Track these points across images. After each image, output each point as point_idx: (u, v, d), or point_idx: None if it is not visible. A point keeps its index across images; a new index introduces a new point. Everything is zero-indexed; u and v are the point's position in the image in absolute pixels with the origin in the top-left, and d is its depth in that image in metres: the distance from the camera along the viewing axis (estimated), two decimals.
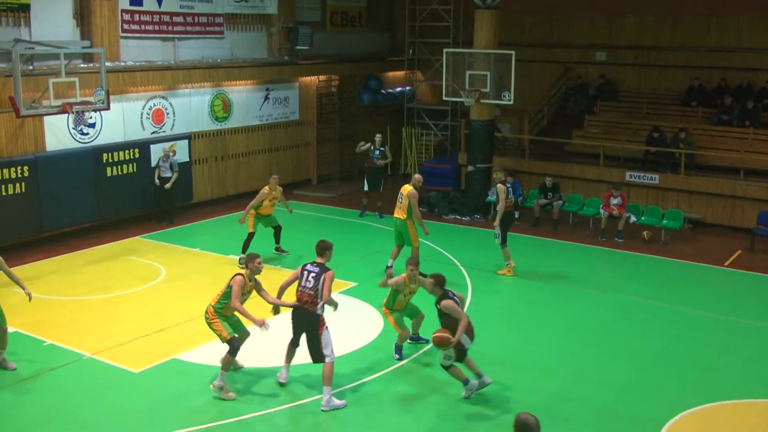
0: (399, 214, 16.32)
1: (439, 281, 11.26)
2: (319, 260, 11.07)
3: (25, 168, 18.03)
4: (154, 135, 21.37)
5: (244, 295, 11.25)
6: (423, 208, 22.70)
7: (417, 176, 17.03)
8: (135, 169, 20.52)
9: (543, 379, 11.97)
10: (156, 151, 20.95)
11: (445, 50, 22.75)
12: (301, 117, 26.23)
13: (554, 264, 17.98)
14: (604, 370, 12.33)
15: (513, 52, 21.30)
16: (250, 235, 17.29)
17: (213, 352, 12.56)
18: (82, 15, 19.78)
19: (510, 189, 16.84)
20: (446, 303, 11.04)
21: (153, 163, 20.87)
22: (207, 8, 22.66)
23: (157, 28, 21.39)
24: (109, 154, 19.95)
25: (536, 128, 26.68)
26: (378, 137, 22.34)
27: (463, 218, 22.08)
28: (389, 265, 16.39)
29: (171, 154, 21.05)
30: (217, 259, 17.86)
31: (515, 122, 26.44)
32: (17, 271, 15.44)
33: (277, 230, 17.96)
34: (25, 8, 18.33)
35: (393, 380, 11.83)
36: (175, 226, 20.56)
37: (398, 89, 29.52)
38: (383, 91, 29.07)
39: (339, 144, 27.79)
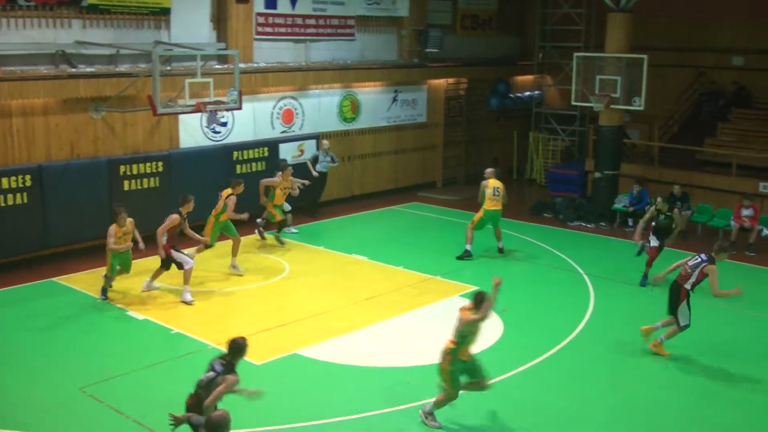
0: (496, 205, 17.98)
1: None
2: None
3: (160, 164, 18.78)
4: (284, 134, 21.90)
5: None
6: (548, 214, 22.64)
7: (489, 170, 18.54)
8: (264, 168, 21.04)
9: (669, 394, 11.67)
10: (285, 150, 21.48)
11: (575, 54, 22.51)
12: (428, 119, 26.37)
13: None
14: (733, 389, 11.94)
15: (645, 57, 20.89)
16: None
17: (332, 349, 12.85)
18: (219, 19, 20.48)
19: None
20: None
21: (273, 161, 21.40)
22: (339, 10, 23.06)
23: (289, 30, 21.93)
24: (240, 152, 20.55)
25: (666, 135, 26.04)
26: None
27: (588, 225, 21.75)
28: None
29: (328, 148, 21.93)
30: (339, 258, 18.16)
31: (645, 128, 25.97)
32: (149, 261, 16.18)
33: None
34: (166, 12, 19.10)
35: (513, 384, 11.79)
36: (301, 224, 20.98)
37: (527, 93, 29.30)
38: (511, 95, 28.91)
39: (465, 147, 27.80)
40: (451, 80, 26.92)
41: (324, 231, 20.75)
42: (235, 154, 20.42)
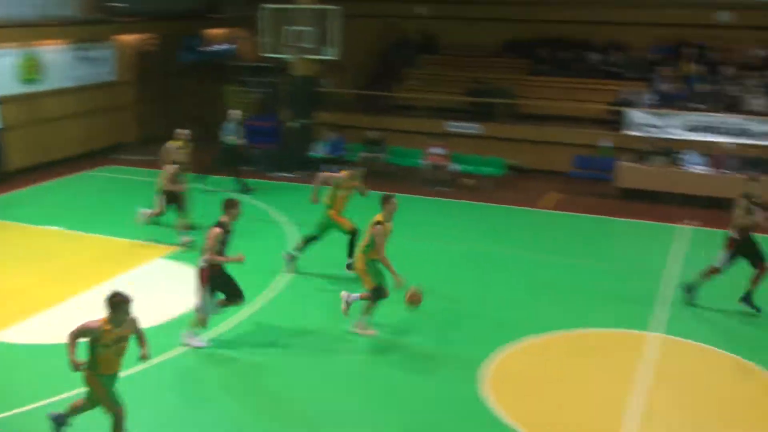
0: None
1: None
2: None
3: None
4: None
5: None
6: (247, 167, 22.58)
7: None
8: None
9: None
10: None
11: (261, 6, 22.31)
12: (118, 77, 25.36)
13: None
14: (422, 313, 12.26)
15: (335, 7, 21.20)
16: None
17: (31, 329, 12.10)
18: None
19: None
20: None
21: None
22: None
23: None
24: None
25: (359, 83, 26.79)
26: None
27: (289, 174, 21.99)
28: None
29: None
30: (32, 230, 16.99)
31: (339, 77, 26.50)
32: None
33: None
34: None
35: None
36: None
37: (219, 47, 28.94)
38: (204, 49, 28.44)
39: (160, 104, 27.03)
40: (140, 36, 25.98)
41: (13, 203, 19.32)
42: None
